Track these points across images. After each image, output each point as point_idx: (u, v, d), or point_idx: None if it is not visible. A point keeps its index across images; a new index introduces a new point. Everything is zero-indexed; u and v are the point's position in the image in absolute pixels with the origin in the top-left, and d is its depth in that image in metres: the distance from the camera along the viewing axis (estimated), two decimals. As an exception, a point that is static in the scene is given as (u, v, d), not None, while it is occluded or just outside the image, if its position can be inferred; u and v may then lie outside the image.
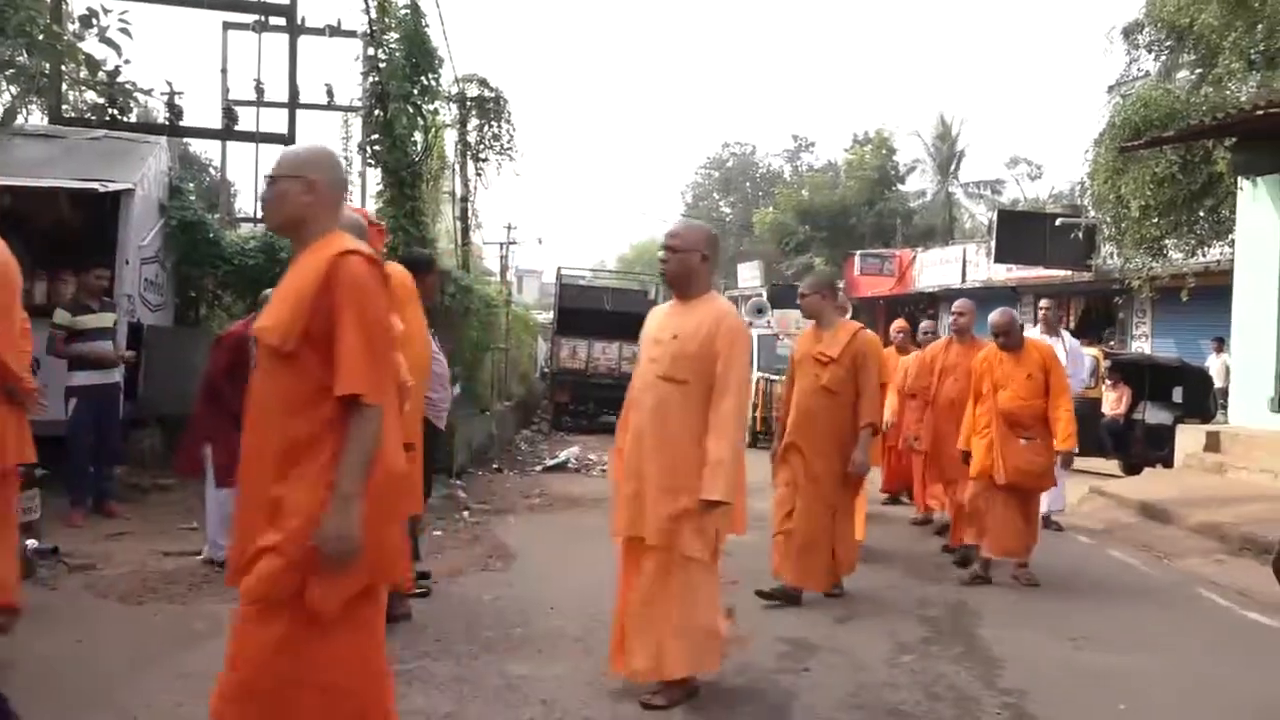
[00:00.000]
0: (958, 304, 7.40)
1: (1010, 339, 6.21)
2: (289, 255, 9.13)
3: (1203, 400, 13.12)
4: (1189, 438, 11.14)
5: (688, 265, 3.92)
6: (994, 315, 6.38)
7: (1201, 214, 13.08)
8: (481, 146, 14.04)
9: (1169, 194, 12.64)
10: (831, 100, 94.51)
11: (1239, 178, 11.16)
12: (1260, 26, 12.00)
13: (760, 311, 17.07)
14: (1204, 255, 14.12)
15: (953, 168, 38.97)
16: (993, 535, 6.07)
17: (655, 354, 3.88)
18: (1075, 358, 8.06)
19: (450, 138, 13.59)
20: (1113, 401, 13.26)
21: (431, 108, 10.44)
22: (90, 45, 9.00)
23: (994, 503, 6.07)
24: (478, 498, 8.72)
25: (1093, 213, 16.37)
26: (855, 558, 5.72)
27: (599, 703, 3.76)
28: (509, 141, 14.11)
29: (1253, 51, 12.22)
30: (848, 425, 5.44)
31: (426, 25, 9.75)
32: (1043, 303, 8.65)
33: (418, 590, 5.16)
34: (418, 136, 9.68)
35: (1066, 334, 8.46)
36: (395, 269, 4.30)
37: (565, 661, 4.26)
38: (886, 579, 6.12)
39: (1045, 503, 7.34)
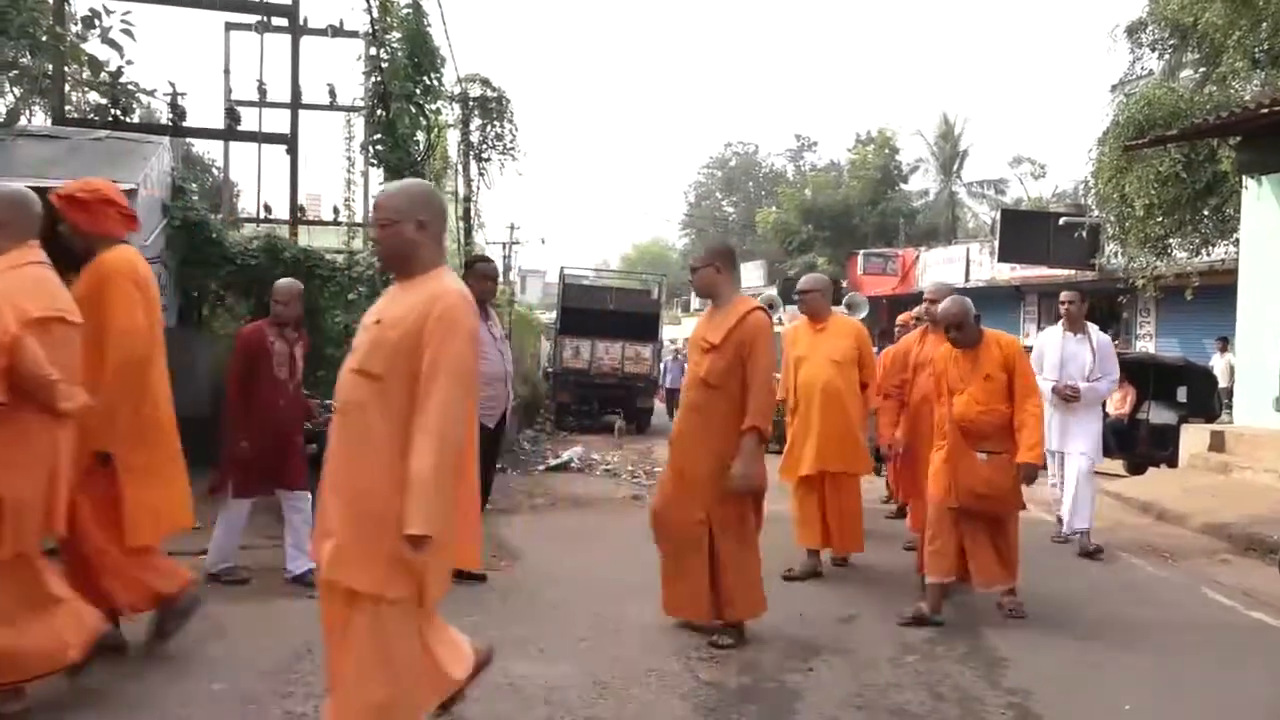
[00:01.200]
0: (930, 288, 6.52)
1: (963, 333, 5.23)
2: (290, 257, 9.12)
3: (1207, 400, 13.08)
4: (1194, 437, 11.11)
5: (400, 237, 3.10)
6: (943, 304, 5.41)
7: (1206, 213, 13.06)
8: (484, 146, 14.02)
9: (1173, 193, 12.62)
10: (834, 100, 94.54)
11: (1243, 176, 11.13)
12: (1264, 25, 11.97)
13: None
14: (1208, 254, 14.10)
15: (956, 167, 38.95)
16: (974, 564, 5.20)
17: (356, 342, 3.13)
18: (1106, 355, 7.18)
19: (453, 137, 13.58)
20: (1117, 401, 13.21)
21: (434, 107, 10.44)
22: (93, 46, 9.02)
23: (957, 528, 5.17)
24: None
25: (1096, 212, 16.35)
26: (756, 598, 4.65)
27: (603, 702, 3.75)
28: (512, 141, 14.10)
29: (1257, 50, 12.19)
30: (730, 426, 4.48)
31: (429, 25, 9.75)
32: (1064, 295, 7.33)
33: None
34: (420, 136, 9.69)
35: (1094, 328, 7.34)
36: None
37: (569, 661, 4.25)
38: (890, 580, 6.10)
39: (1070, 521, 7.08)
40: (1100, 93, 52.72)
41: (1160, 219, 12.93)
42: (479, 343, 5.52)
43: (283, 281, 5.76)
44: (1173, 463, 11.50)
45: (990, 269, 23.84)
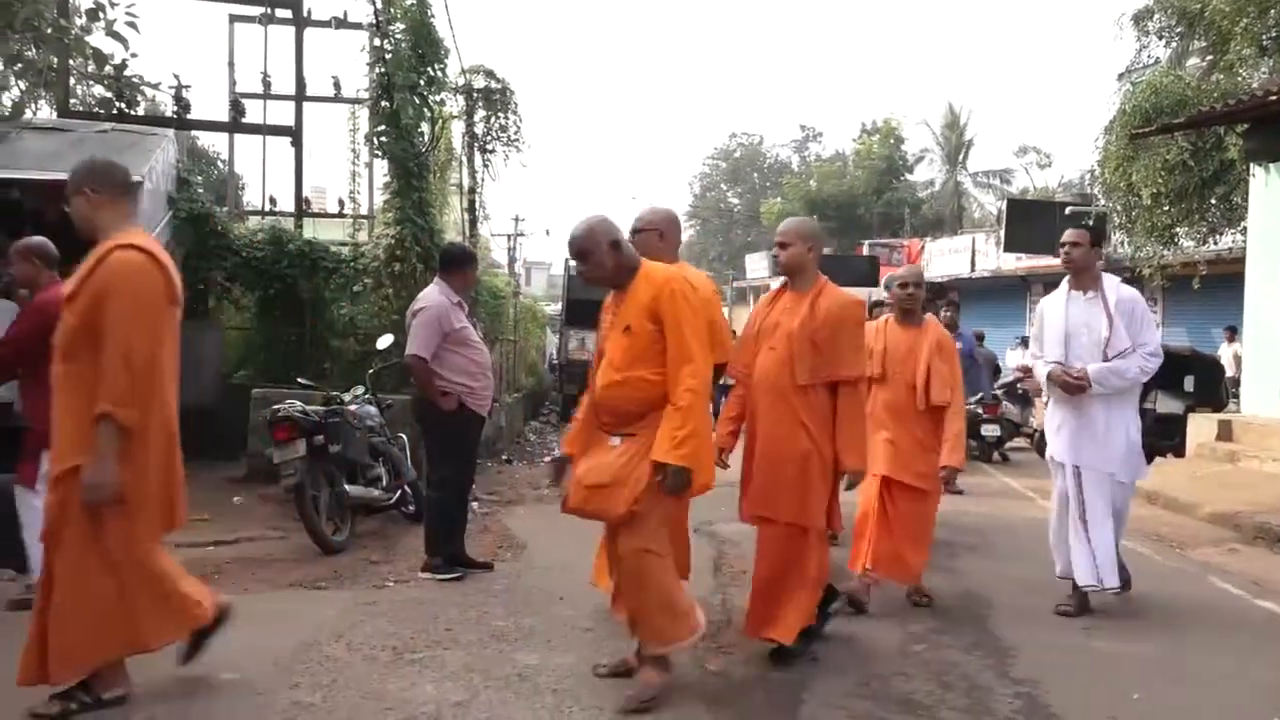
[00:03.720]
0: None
1: (589, 265, 3.94)
2: (295, 249, 9.12)
3: (1215, 389, 13.02)
4: (1201, 427, 11.08)
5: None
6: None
7: (1213, 201, 13.02)
8: (489, 138, 13.99)
9: (1180, 181, 12.58)
10: (839, 90, 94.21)
11: (1251, 165, 11.09)
12: (1272, 12, 11.92)
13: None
14: (1215, 243, 14.06)
15: (961, 157, 38.85)
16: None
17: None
18: (1132, 318, 5.07)
19: (457, 129, 13.54)
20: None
21: (438, 99, 10.40)
22: (97, 39, 9.01)
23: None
24: (487, 489, 8.72)
25: (1103, 201, 16.29)
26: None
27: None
28: (516, 133, 14.06)
29: (1264, 37, 12.13)
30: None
31: (432, 16, 9.71)
32: (1066, 235, 5.23)
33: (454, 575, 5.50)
34: (424, 128, 9.66)
35: (1112, 282, 5.19)
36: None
37: (575, 651, 4.25)
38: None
39: (1091, 575, 5.03)
40: (1106, 81, 52.54)
41: (1167, 208, 12.89)
42: (449, 331, 5.51)
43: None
44: (1180, 452, 11.40)
45: (996, 259, 23.80)
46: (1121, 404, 5.10)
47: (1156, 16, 14.56)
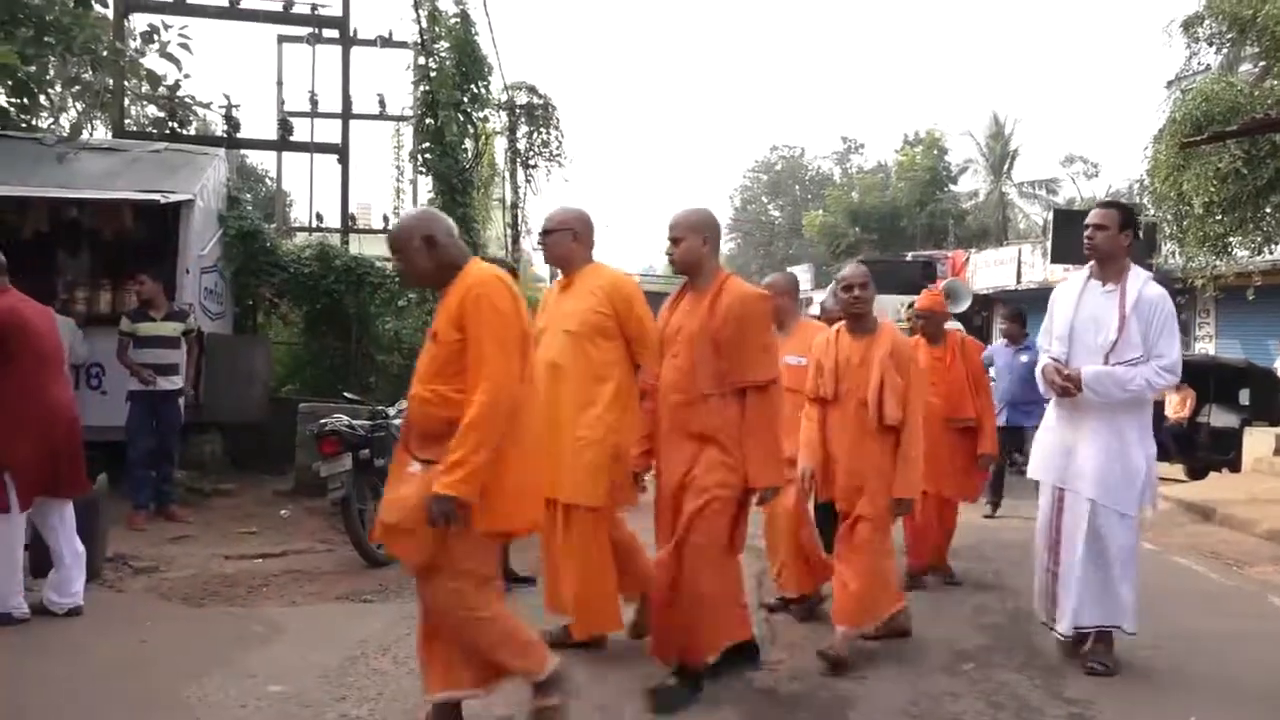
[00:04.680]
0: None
1: (402, 259, 3.58)
2: (342, 265, 9.25)
3: (1271, 402, 12.74)
4: (1257, 441, 10.83)
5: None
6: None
7: (1268, 210, 12.72)
8: (531, 153, 14.14)
9: (1233, 190, 12.31)
10: (882, 101, 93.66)
11: (1308, 172, 10.82)
12: (1328, 17, 11.63)
13: (949, 297, 13.41)
14: (1270, 252, 13.73)
15: (1006, 167, 38.38)
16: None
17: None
18: (1151, 320, 4.27)
19: (500, 145, 13.71)
20: (1176, 404, 12.93)
21: (481, 115, 10.55)
22: (151, 61, 9.27)
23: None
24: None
25: (1152, 211, 15.97)
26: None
27: (629, 701, 3.74)
28: (558, 148, 14.20)
29: (1320, 42, 11.85)
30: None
31: (476, 34, 9.86)
32: (1092, 216, 4.46)
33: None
34: (468, 144, 9.79)
35: (1140, 277, 4.39)
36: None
37: (623, 666, 4.23)
38: (940, 586, 6.00)
39: (1069, 614, 4.31)
40: (1155, 89, 51.64)
41: (1220, 217, 12.62)
42: None
43: None
44: (1235, 467, 11.22)
45: (1043, 270, 23.43)
46: (1127, 418, 4.26)
47: (1207, 23, 14.27)
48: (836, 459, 4.53)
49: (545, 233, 4.40)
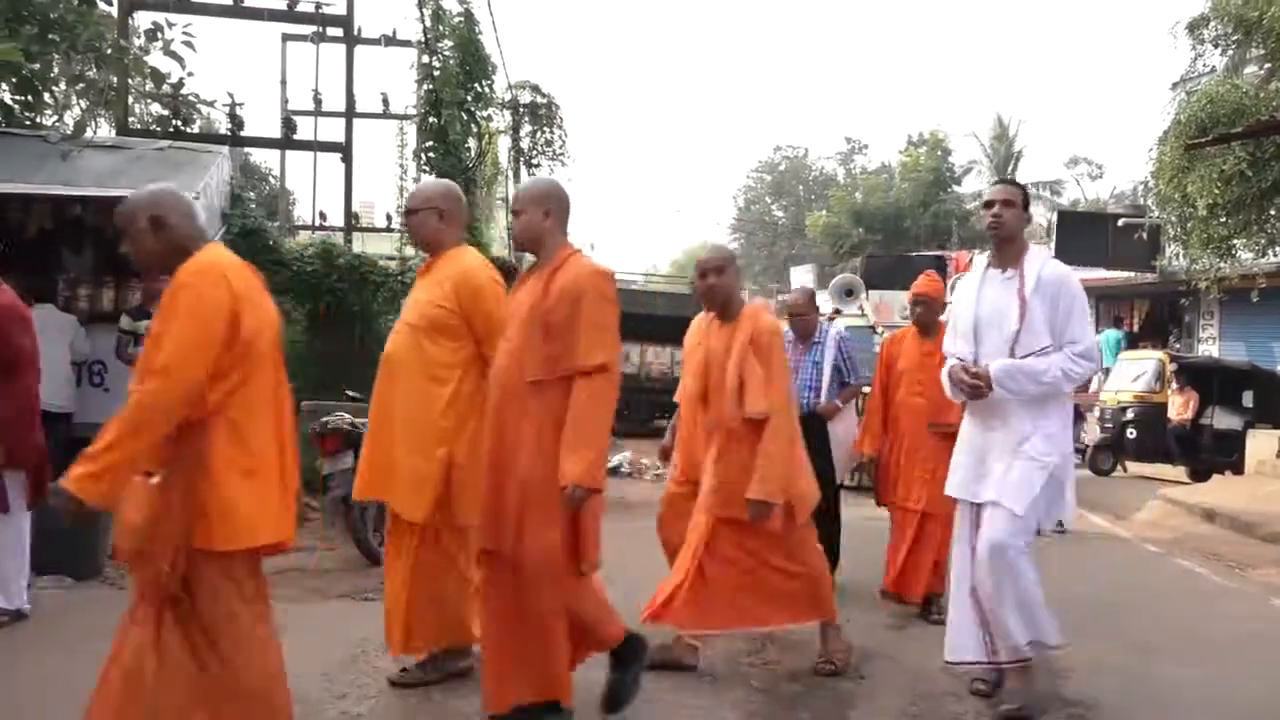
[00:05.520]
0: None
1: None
2: (345, 263, 9.26)
3: (1274, 404, 12.73)
4: (1261, 443, 10.81)
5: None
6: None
7: (1273, 212, 12.70)
8: (534, 152, 14.14)
9: (1237, 192, 12.29)
10: (886, 102, 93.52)
11: (1313, 175, 10.80)
12: (1334, 19, 11.62)
13: (849, 294, 12.54)
14: (1275, 254, 13.71)
15: (1010, 168, 38.35)
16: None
17: None
18: (1055, 304, 3.81)
19: (503, 144, 13.71)
20: (1179, 406, 12.92)
21: (485, 114, 10.55)
22: (155, 59, 9.28)
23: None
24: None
25: (1157, 213, 15.96)
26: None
27: (651, 707, 3.74)
28: (561, 147, 14.20)
29: (1326, 45, 11.83)
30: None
31: (480, 33, 9.87)
32: (989, 193, 4.09)
33: None
34: (471, 143, 9.80)
35: (1039, 258, 3.97)
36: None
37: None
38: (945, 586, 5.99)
39: (959, 648, 3.96)
40: (1160, 91, 51.65)
41: (1224, 219, 12.60)
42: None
43: None
44: (1238, 469, 11.21)
45: (1046, 271, 23.39)
46: (1042, 415, 3.78)
47: (1212, 24, 14.24)
48: (711, 461, 4.15)
49: (408, 212, 3.96)
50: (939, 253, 29.45)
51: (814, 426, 5.49)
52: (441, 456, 3.64)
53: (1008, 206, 3.89)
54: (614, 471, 11.61)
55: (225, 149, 9.81)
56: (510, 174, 14.24)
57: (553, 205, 3.46)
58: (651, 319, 17.29)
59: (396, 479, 3.71)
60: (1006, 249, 3.94)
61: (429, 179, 3.93)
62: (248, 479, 2.72)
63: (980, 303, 3.93)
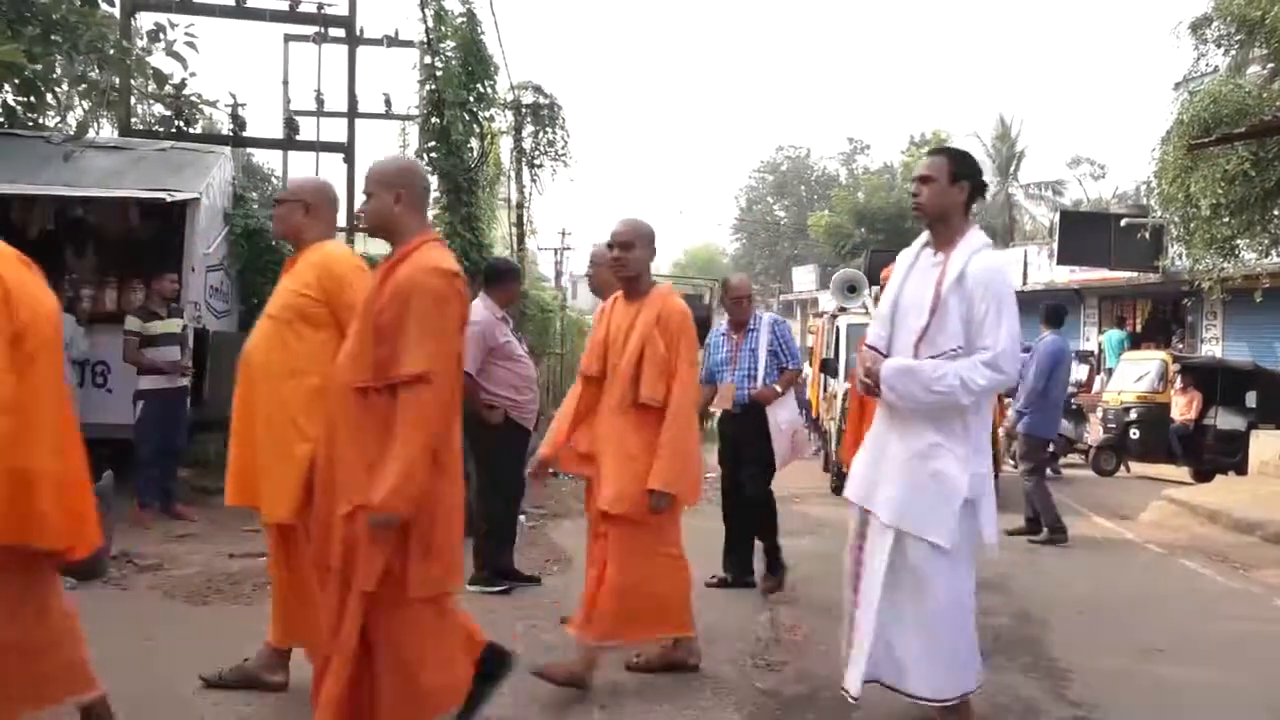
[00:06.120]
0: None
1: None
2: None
3: (1278, 405, 12.71)
4: (1264, 444, 10.79)
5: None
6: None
7: (1276, 212, 12.68)
8: (536, 152, 14.13)
9: (1241, 192, 12.27)
10: (888, 102, 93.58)
11: (1315, 174, 10.78)
12: (1337, 18, 11.60)
13: (852, 290, 12.16)
14: (1278, 255, 13.69)
15: (1013, 169, 38.36)
16: None
17: None
18: (979, 298, 3.26)
19: (506, 144, 13.70)
20: (1182, 406, 12.91)
21: (487, 115, 10.55)
22: (158, 59, 9.29)
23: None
24: (534, 502, 8.74)
25: (1160, 212, 15.94)
26: None
27: (658, 710, 3.73)
28: (563, 147, 14.19)
29: (1329, 44, 11.81)
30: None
31: (482, 33, 9.87)
32: (921, 167, 3.56)
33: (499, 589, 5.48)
34: (474, 143, 9.80)
35: (974, 241, 3.42)
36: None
37: (623, 668, 4.23)
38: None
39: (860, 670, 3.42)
40: (1162, 91, 51.56)
41: (1227, 219, 12.57)
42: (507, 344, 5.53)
43: None
44: (1241, 470, 11.20)
45: (1049, 272, 23.39)
46: (946, 425, 3.27)
47: (1215, 24, 14.22)
48: (603, 444, 3.87)
49: (276, 202, 3.87)
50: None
51: (752, 413, 5.57)
52: (302, 455, 3.36)
53: (925, 183, 3.41)
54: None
55: (227, 149, 9.83)
56: (513, 175, 14.24)
57: (404, 189, 3.10)
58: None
59: (261, 481, 3.55)
60: (939, 229, 3.44)
61: (308, 176, 3.67)
62: (59, 480, 2.66)
63: (904, 286, 3.46)
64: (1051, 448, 10.89)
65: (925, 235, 3.52)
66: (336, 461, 2.95)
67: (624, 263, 3.92)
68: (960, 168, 3.41)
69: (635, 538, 3.81)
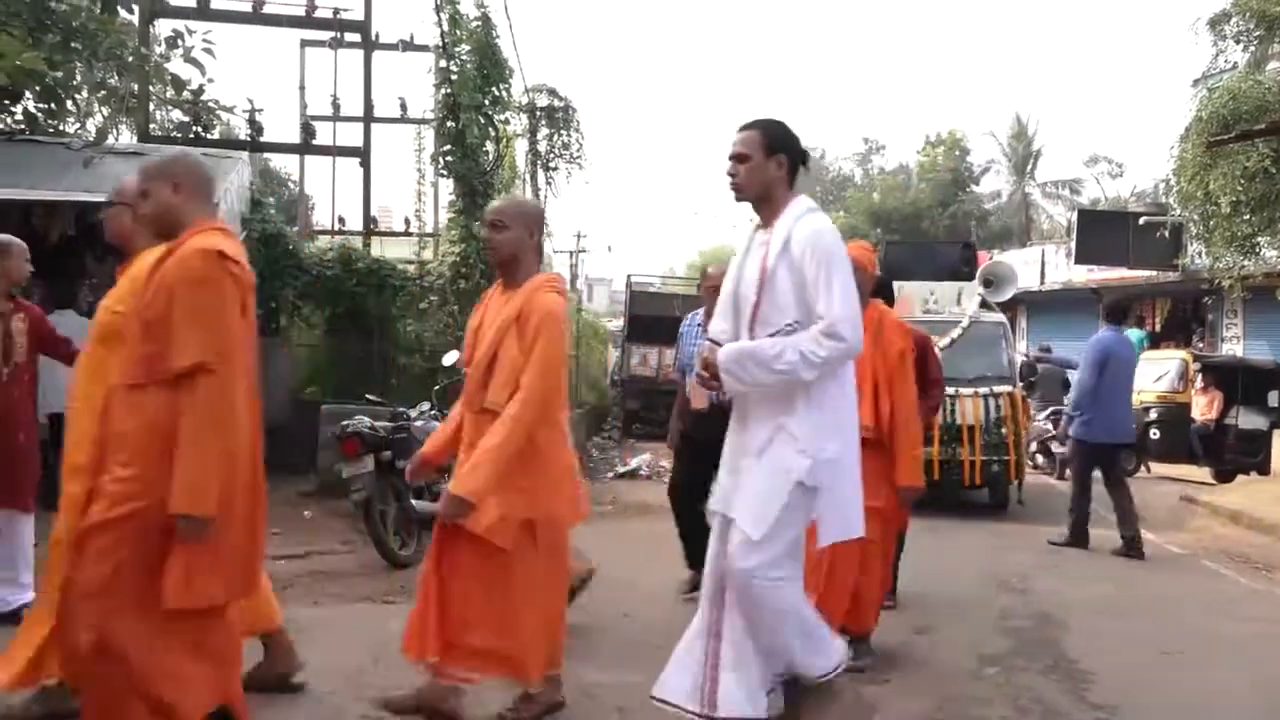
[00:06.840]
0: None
1: None
2: (364, 267, 9.27)
3: (1301, 404, 12.60)
4: (1287, 444, 10.68)
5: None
6: None
7: (1297, 210, 12.58)
8: (551, 155, 14.15)
9: (1261, 189, 12.17)
10: (903, 102, 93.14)
11: (1337, 171, 10.68)
12: (1358, 13, 11.49)
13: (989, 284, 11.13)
14: (1300, 253, 13.57)
15: (1029, 167, 38.15)
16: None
17: None
18: (805, 268, 3.02)
19: (521, 147, 13.73)
20: (1203, 406, 12.80)
21: (502, 118, 10.59)
22: (176, 65, 9.35)
23: None
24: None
25: (1178, 211, 15.83)
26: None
27: (661, 707, 3.72)
28: (578, 150, 14.20)
29: (1350, 39, 11.71)
30: None
31: (497, 37, 9.89)
32: (736, 139, 3.23)
33: None
34: (489, 146, 9.83)
35: (801, 210, 3.15)
36: None
37: (641, 669, 4.22)
38: (963, 589, 5.96)
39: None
40: (1181, 88, 51.06)
41: (1248, 217, 12.47)
42: None
43: None
44: (1263, 470, 11.09)
45: (1067, 271, 23.24)
46: (789, 411, 3.00)
47: (1234, 20, 14.12)
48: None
49: (106, 204, 3.60)
50: (968, 239, 29.33)
51: (723, 415, 5.19)
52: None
53: (740, 161, 3.12)
54: (633, 474, 11.60)
55: (245, 155, 9.89)
56: (528, 177, 14.27)
57: (182, 179, 2.89)
58: (670, 321, 17.29)
59: None
60: (763, 209, 3.17)
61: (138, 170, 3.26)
62: None
63: (740, 273, 3.20)
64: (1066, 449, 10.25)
65: (755, 218, 3.26)
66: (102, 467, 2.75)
67: (494, 245, 3.43)
68: (774, 141, 3.13)
69: (491, 561, 3.33)
